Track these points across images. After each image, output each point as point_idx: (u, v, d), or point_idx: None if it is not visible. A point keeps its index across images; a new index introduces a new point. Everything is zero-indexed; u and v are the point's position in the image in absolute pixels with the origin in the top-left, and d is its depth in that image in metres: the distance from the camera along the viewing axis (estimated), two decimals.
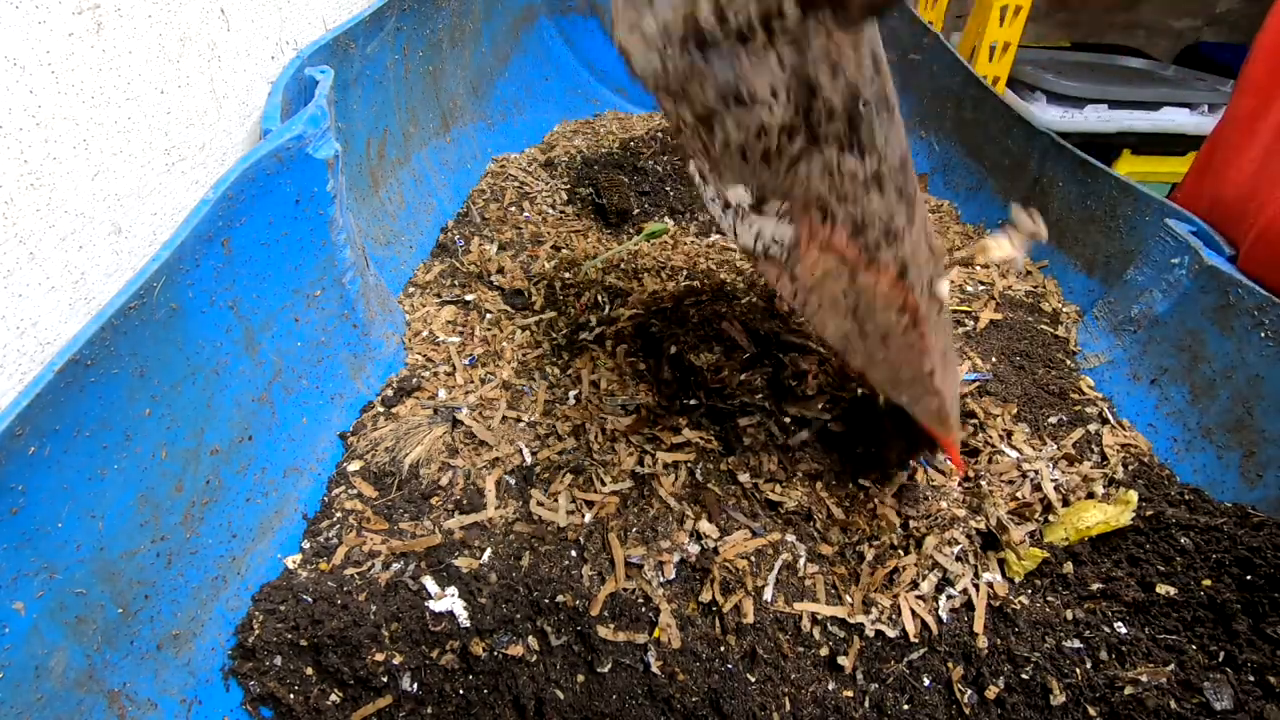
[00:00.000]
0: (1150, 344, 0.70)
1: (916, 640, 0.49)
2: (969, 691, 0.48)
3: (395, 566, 0.52)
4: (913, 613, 0.50)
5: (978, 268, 0.86)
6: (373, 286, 0.70)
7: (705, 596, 0.50)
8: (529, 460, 0.60)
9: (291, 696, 0.48)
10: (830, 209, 0.41)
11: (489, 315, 0.77)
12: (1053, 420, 0.65)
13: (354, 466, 0.60)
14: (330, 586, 0.50)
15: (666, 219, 0.96)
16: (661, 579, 0.51)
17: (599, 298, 0.79)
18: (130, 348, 0.44)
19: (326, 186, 0.58)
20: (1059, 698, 0.47)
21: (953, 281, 0.83)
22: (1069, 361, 0.74)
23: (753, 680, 0.47)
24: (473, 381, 0.68)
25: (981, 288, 0.82)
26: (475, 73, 1.12)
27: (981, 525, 0.55)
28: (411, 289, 0.82)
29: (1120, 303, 0.74)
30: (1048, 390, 0.68)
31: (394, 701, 0.48)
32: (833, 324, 0.46)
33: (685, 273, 0.83)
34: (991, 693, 0.47)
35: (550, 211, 0.99)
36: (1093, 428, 0.64)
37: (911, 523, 0.55)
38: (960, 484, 0.57)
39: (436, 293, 0.81)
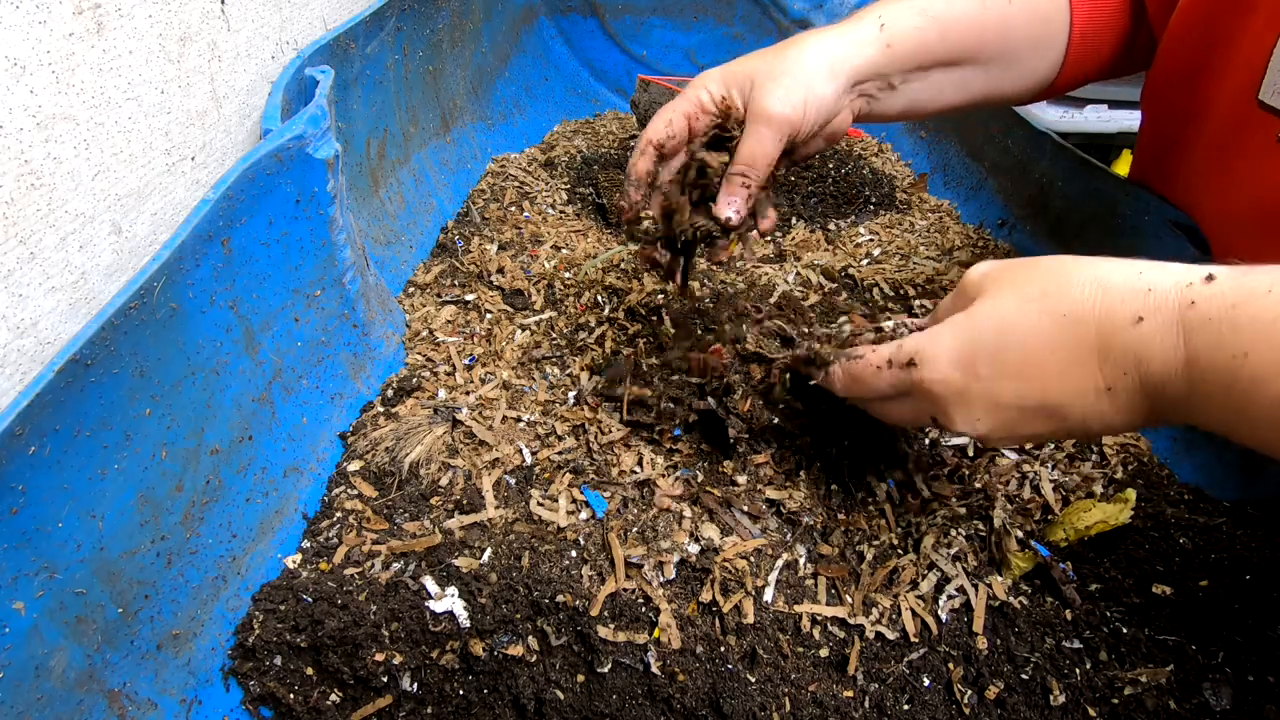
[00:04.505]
0: None
1: (916, 640, 0.49)
2: (969, 692, 0.48)
3: (395, 566, 0.52)
4: (913, 613, 0.50)
5: None
6: (373, 286, 0.70)
7: (705, 596, 0.50)
8: (529, 460, 0.60)
9: (291, 696, 0.48)
10: None
11: (489, 315, 0.77)
12: None
13: (354, 466, 0.60)
14: (330, 586, 0.50)
15: None
16: (661, 579, 0.51)
17: (599, 298, 0.79)
18: (130, 348, 0.44)
19: (327, 186, 0.59)
20: (1059, 698, 0.47)
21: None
22: None
23: (753, 680, 0.47)
24: (473, 381, 0.68)
25: None
26: (475, 73, 1.12)
27: (981, 526, 0.55)
28: (411, 289, 0.82)
29: None
30: None
31: (394, 701, 0.48)
32: None
33: None
34: (991, 693, 0.47)
35: (550, 211, 0.99)
36: None
37: (913, 519, 0.55)
38: (960, 486, 0.57)
39: (436, 293, 0.81)
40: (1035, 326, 0.38)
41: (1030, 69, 0.65)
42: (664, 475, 0.57)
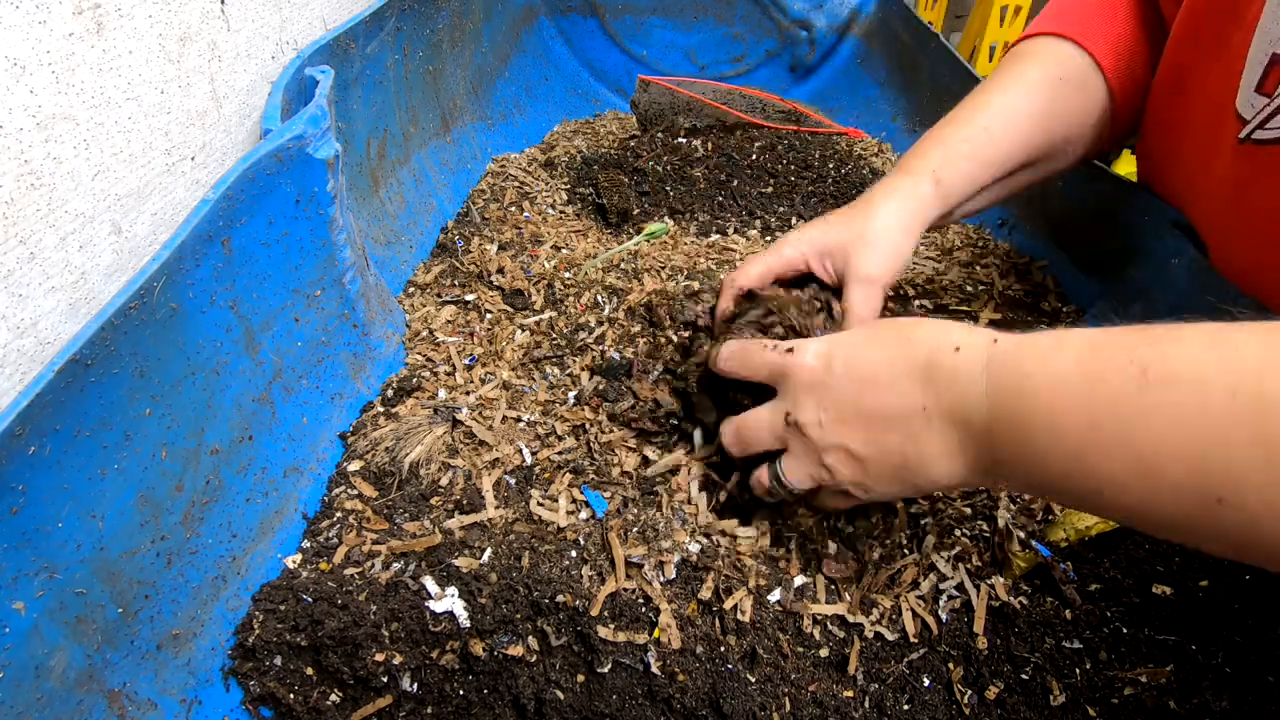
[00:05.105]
0: None
1: (916, 640, 0.49)
2: (969, 692, 0.48)
3: (395, 566, 0.52)
4: (913, 613, 0.50)
5: (977, 267, 0.86)
6: (373, 286, 0.70)
7: (705, 596, 0.50)
8: (529, 460, 0.60)
9: (291, 696, 0.48)
10: None
11: (489, 315, 0.77)
12: None
13: (354, 466, 0.60)
14: (330, 586, 0.50)
15: (666, 219, 0.96)
16: (662, 579, 0.51)
17: (599, 298, 0.79)
18: (130, 348, 0.44)
19: (327, 186, 0.58)
20: (1059, 698, 0.47)
21: (951, 282, 0.83)
22: None
23: (753, 680, 0.47)
24: (473, 381, 0.68)
25: (981, 288, 0.82)
26: (475, 73, 1.12)
27: (985, 526, 0.55)
28: (411, 289, 0.82)
29: (1120, 302, 0.74)
30: None
31: (394, 701, 0.48)
32: None
33: (685, 273, 0.83)
34: (991, 693, 0.47)
35: (550, 211, 0.99)
36: None
37: (921, 521, 0.55)
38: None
39: (436, 293, 0.81)
40: (886, 342, 0.45)
41: (1081, 151, 0.69)
42: (665, 474, 0.57)
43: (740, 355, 0.52)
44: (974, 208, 0.67)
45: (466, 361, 0.71)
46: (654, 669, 0.47)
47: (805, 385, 0.47)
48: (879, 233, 0.59)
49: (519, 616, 0.49)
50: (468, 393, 0.66)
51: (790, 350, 0.48)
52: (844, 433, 0.45)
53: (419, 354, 0.72)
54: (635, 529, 0.53)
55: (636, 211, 0.97)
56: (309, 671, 0.49)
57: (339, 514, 0.57)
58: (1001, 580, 0.51)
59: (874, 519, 0.54)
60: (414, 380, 0.68)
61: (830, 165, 1.06)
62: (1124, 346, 0.35)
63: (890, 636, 0.49)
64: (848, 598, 0.51)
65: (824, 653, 0.49)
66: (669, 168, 1.02)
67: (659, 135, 1.09)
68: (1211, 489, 0.31)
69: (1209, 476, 0.31)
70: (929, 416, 0.42)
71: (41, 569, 0.39)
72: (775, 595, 0.50)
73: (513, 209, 0.97)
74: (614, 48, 1.44)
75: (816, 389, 0.46)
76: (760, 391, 0.53)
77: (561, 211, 0.99)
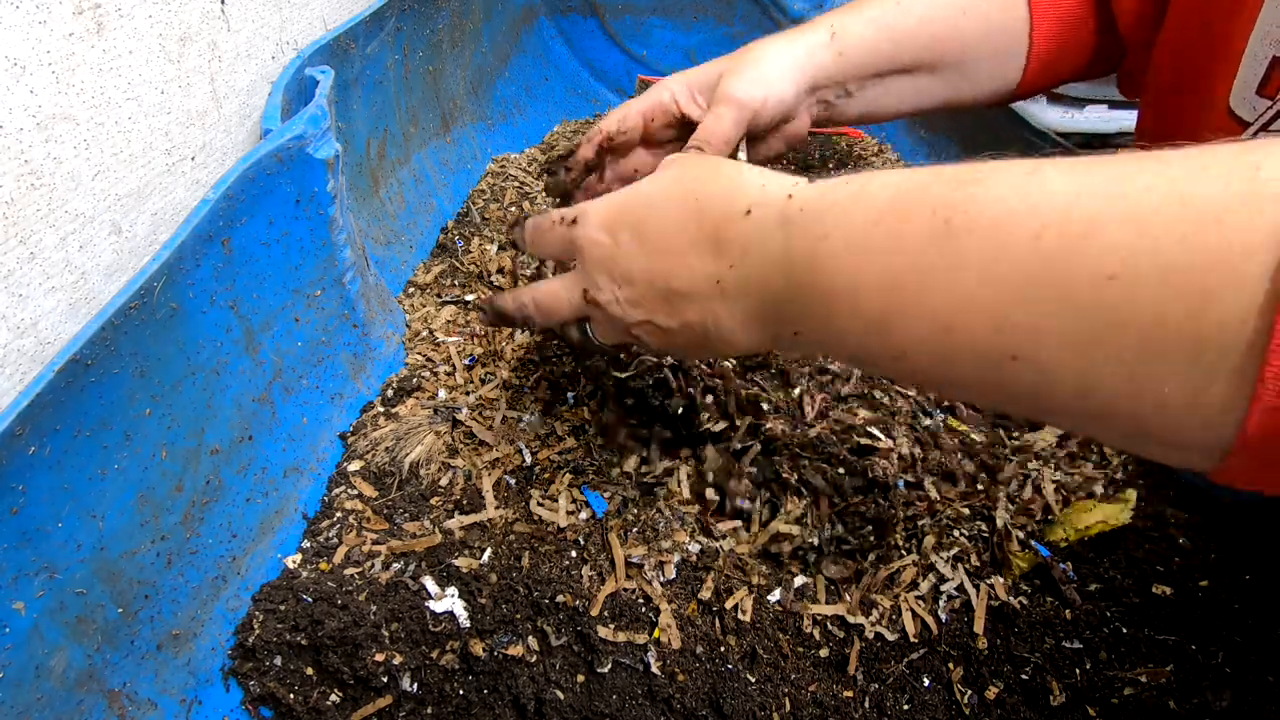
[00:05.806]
0: None
1: (916, 640, 0.49)
2: (969, 692, 0.48)
3: (395, 566, 0.52)
4: (913, 613, 0.50)
5: None
6: (373, 286, 0.70)
7: (705, 596, 0.50)
8: (529, 460, 0.60)
9: (291, 696, 0.48)
10: None
11: None
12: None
13: (354, 466, 0.60)
14: (330, 586, 0.50)
15: None
16: (662, 579, 0.51)
17: None
18: (131, 347, 0.44)
19: (327, 186, 0.58)
20: (1059, 698, 0.47)
21: None
22: None
23: (753, 680, 0.47)
24: (473, 381, 0.68)
25: None
26: (475, 73, 1.12)
27: (984, 527, 0.55)
28: (411, 289, 0.82)
29: None
30: None
31: (394, 701, 0.48)
32: None
33: None
34: (991, 693, 0.47)
35: None
36: None
37: (919, 521, 0.55)
38: (965, 487, 0.57)
39: (436, 293, 0.81)
40: (675, 207, 0.40)
41: (990, 75, 0.65)
42: (665, 474, 0.57)
43: (532, 232, 0.48)
44: (878, 102, 0.62)
45: (466, 361, 0.71)
46: (654, 669, 0.47)
47: (596, 262, 0.42)
48: (751, 62, 0.55)
49: (519, 616, 0.49)
50: (468, 393, 0.66)
51: (574, 221, 0.44)
52: (643, 309, 0.41)
53: (419, 354, 0.72)
54: (635, 529, 0.53)
55: None
56: (309, 671, 0.49)
57: (339, 514, 0.57)
58: (1001, 580, 0.51)
59: (867, 529, 0.54)
60: (414, 380, 0.68)
61: (830, 165, 1.06)
62: (928, 194, 0.31)
63: (890, 636, 0.49)
64: (848, 598, 0.51)
65: (824, 653, 0.49)
66: None
67: None
68: (1007, 346, 0.28)
69: (1007, 333, 0.28)
70: (723, 289, 0.38)
71: (42, 569, 0.39)
72: (775, 595, 0.50)
73: (513, 209, 0.97)
74: (614, 48, 1.44)
75: (608, 264, 0.42)
76: None
77: None
